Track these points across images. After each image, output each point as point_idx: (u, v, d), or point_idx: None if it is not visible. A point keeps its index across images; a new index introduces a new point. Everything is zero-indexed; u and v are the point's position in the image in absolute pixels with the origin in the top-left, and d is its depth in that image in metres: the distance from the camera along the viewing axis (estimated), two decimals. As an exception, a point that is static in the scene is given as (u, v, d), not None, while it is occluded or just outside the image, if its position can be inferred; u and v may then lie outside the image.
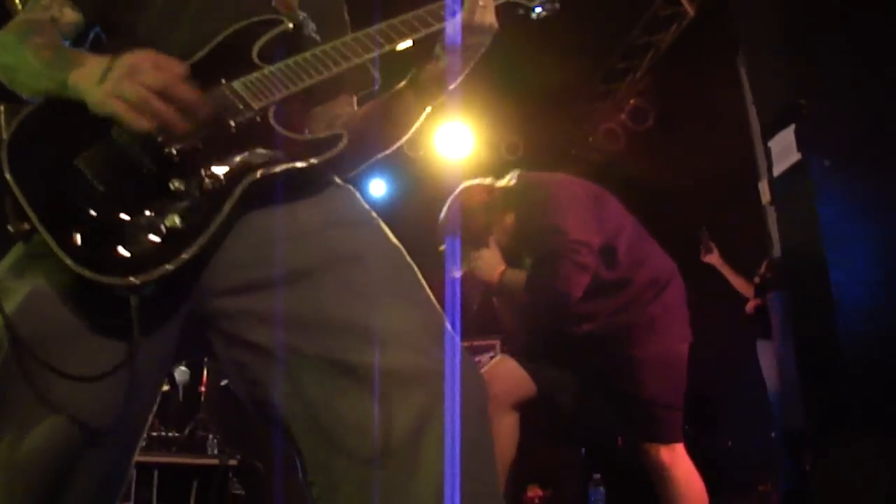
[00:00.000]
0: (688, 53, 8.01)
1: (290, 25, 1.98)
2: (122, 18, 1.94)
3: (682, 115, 8.26)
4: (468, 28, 1.94)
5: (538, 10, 2.20)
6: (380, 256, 1.78)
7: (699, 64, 7.73)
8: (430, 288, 1.81)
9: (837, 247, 4.10)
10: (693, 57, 7.87)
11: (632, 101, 8.88)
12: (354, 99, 2.22)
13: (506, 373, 3.87)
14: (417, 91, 2.02)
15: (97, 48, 1.95)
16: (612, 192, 4.21)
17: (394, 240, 1.85)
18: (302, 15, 2.06)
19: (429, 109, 2.07)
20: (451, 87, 2.01)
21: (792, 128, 4.57)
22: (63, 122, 1.67)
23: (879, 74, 4.37)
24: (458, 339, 1.74)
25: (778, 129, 4.69)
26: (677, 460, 3.77)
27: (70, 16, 1.90)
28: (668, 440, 3.86)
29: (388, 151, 2.16)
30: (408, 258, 1.84)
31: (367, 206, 1.91)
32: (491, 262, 3.88)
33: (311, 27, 2.07)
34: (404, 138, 2.14)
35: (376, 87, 2.22)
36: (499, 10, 2.05)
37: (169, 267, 1.55)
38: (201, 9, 1.96)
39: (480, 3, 1.95)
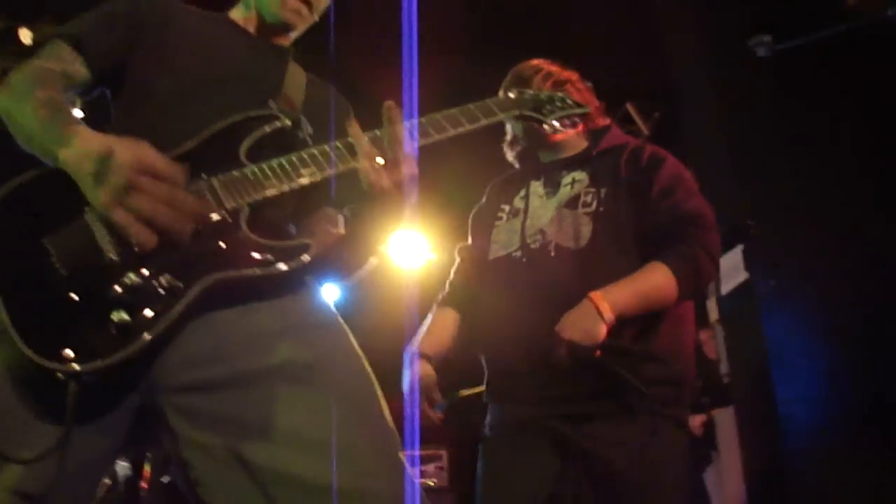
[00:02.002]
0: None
1: (288, 123, 1.96)
2: (128, 91, 1.98)
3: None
4: (371, 191, 1.88)
5: (556, 123, 2.28)
6: (336, 364, 1.74)
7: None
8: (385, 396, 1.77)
9: (782, 365, 4.17)
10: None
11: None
12: (340, 218, 2.14)
13: None
14: (362, 222, 2.01)
15: (98, 105, 1.98)
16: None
17: (354, 346, 1.81)
18: (300, 116, 2.06)
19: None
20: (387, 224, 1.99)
21: (740, 248, 4.69)
22: (39, 197, 1.69)
23: (826, 198, 4.50)
24: (407, 464, 1.69)
25: (726, 248, 4.80)
26: None
27: (81, 72, 1.93)
28: None
29: (352, 273, 2.12)
30: (366, 366, 1.79)
31: (330, 308, 1.87)
32: None
33: (307, 130, 2.05)
34: (363, 261, 2.12)
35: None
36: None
37: (109, 361, 1.53)
38: (204, 94, 1.97)
39: (375, 164, 1.86)
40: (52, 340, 1.52)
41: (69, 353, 1.51)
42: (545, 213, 2.86)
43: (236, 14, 2.21)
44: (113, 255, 1.60)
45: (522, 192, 2.98)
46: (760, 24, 4.15)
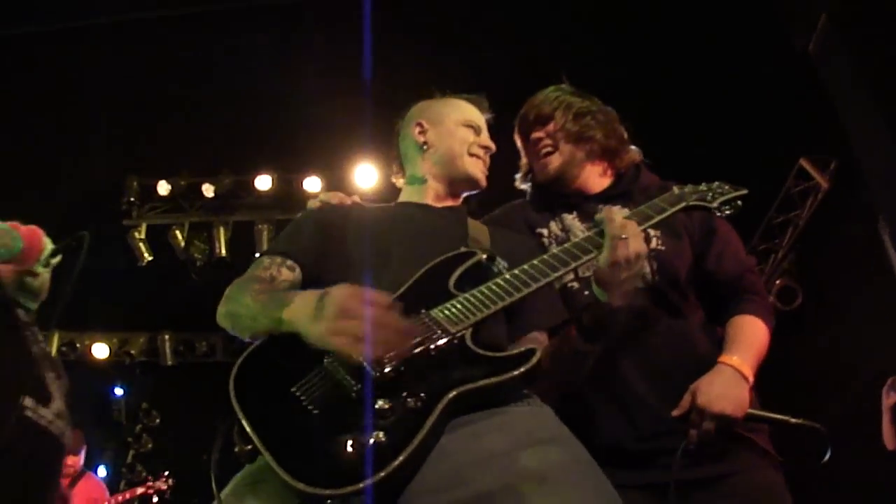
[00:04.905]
0: (828, 226, 7.91)
1: (484, 257, 2.23)
2: (329, 276, 2.20)
3: (831, 289, 8.07)
4: (613, 264, 2.10)
5: (726, 209, 2.47)
6: (566, 478, 1.77)
7: (841, 235, 7.62)
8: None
9: None
10: (834, 228, 7.76)
11: (778, 282, 8.72)
12: (544, 336, 2.33)
13: None
14: (580, 331, 2.18)
15: None
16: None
17: (587, 457, 1.87)
18: (494, 252, 2.29)
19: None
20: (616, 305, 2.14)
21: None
22: (279, 356, 1.93)
23: None
24: None
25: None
26: None
27: (286, 275, 2.27)
28: None
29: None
30: (602, 476, 1.84)
31: (558, 424, 1.96)
32: None
33: (502, 264, 2.25)
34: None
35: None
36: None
37: (376, 478, 1.65)
38: (403, 257, 2.25)
39: (622, 235, 2.10)
40: (319, 471, 1.69)
41: (337, 479, 1.66)
42: None
43: (407, 195, 2.64)
44: (358, 389, 1.80)
45: (556, 223, 2.88)
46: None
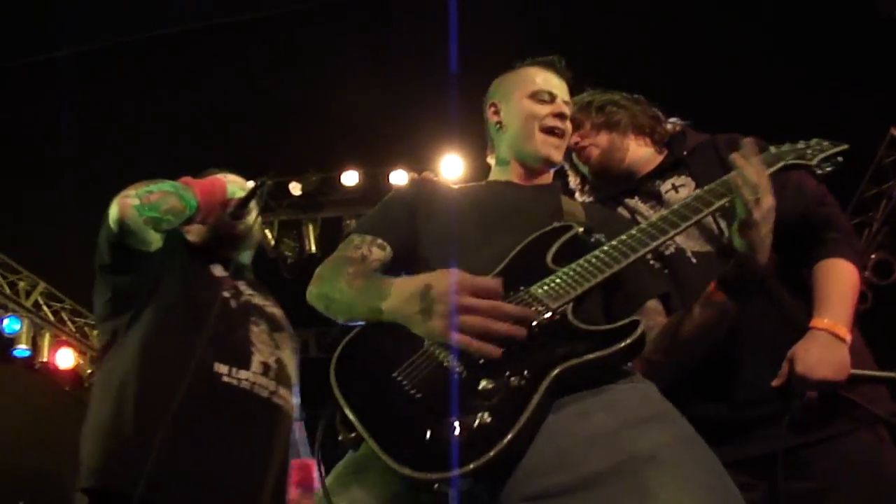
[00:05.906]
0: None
1: (581, 229, 2.20)
2: (421, 253, 2.27)
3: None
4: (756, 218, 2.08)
5: (826, 166, 2.40)
6: (676, 455, 1.71)
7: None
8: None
9: None
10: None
11: (873, 256, 8.52)
12: (660, 306, 2.32)
13: None
14: (729, 290, 2.16)
15: None
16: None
17: (693, 433, 1.81)
18: (590, 225, 2.26)
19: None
20: (761, 263, 2.13)
21: None
22: (378, 341, 1.92)
23: None
24: None
25: None
26: None
27: (377, 254, 2.27)
28: None
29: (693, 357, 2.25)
30: (707, 450, 1.78)
31: (662, 400, 1.91)
32: None
33: (597, 236, 2.23)
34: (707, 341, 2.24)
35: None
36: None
37: (484, 460, 1.61)
38: (494, 234, 2.23)
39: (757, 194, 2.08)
40: (425, 455, 1.66)
41: (444, 462, 1.62)
42: None
43: (495, 175, 2.60)
44: (462, 371, 1.77)
45: (622, 210, 2.90)
46: None
